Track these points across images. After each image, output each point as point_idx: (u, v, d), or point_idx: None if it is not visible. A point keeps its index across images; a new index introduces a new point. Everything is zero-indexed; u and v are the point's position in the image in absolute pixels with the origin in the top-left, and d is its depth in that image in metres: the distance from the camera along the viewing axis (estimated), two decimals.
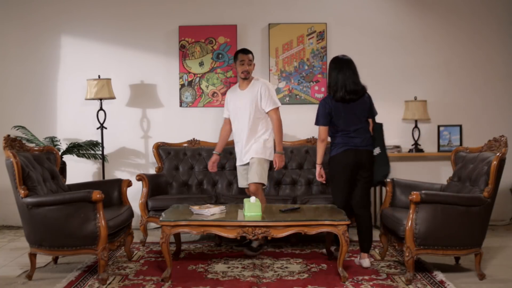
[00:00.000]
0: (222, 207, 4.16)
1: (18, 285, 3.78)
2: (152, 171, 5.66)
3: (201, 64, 5.77)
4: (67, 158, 5.50)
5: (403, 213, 3.93)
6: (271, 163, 4.65)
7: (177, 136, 5.66)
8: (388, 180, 4.45)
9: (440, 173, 5.61)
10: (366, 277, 3.84)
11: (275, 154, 4.59)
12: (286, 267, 4.10)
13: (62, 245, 3.76)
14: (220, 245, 4.81)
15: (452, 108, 5.80)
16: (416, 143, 5.70)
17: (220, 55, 5.77)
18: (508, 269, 4.08)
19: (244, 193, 4.83)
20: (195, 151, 5.59)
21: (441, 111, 5.78)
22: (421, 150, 5.70)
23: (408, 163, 5.77)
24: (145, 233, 4.95)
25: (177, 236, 4.40)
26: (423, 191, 3.74)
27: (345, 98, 4.09)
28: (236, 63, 4.63)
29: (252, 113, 4.55)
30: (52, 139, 5.49)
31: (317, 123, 4.23)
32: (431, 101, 5.73)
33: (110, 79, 5.48)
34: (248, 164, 4.59)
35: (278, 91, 5.71)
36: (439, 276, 3.84)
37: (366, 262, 4.13)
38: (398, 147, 5.70)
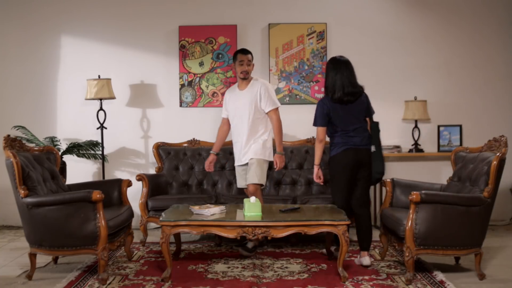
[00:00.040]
0: (222, 207, 4.16)
1: (18, 285, 3.78)
2: (152, 171, 5.66)
3: (201, 64, 5.77)
4: (67, 158, 5.50)
5: (403, 213, 3.93)
6: (270, 163, 4.66)
7: (177, 136, 5.66)
8: (388, 180, 4.45)
9: (440, 173, 5.61)
10: (366, 277, 3.84)
11: (276, 154, 4.59)
12: (286, 267, 4.10)
13: (62, 245, 3.76)
14: (220, 245, 4.81)
15: (452, 108, 5.80)
16: (416, 143, 5.70)
17: (220, 55, 5.77)
18: (508, 269, 4.08)
19: (244, 193, 4.82)
20: (195, 151, 5.59)
21: (441, 111, 5.78)
22: (421, 150, 5.70)
23: (408, 163, 5.77)
24: (145, 233, 4.95)
25: (177, 236, 4.40)
26: (423, 191, 3.74)
27: (342, 100, 4.11)
28: (235, 63, 4.62)
29: (251, 113, 4.55)
30: (52, 139, 5.49)
31: (315, 124, 4.23)
32: (431, 101, 5.73)
33: (110, 79, 5.48)
34: (247, 164, 4.58)
35: (278, 91, 5.71)
36: (439, 276, 3.83)
37: (366, 260, 4.13)
38: (398, 147, 5.70)
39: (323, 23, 5.75)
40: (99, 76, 5.46)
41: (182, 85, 5.78)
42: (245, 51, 4.63)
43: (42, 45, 5.79)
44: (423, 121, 5.75)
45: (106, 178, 5.60)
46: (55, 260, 4.31)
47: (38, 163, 4.11)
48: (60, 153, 5.12)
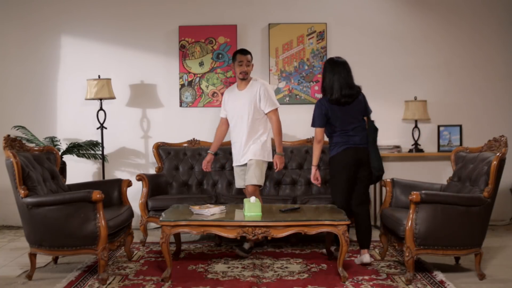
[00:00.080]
0: (222, 207, 4.16)
1: (18, 285, 3.78)
2: (152, 171, 5.66)
3: (201, 64, 5.77)
4: (67, 158, 5.50)
5: (403, 213, 3.93)
6: (270, 163, 4.65)
7: (177, 136, 5.66)
8: (388, 180, 4.45)
9: (440, 173, 5.60)
10: (366, 277, 3.84)
11: (275, 155, 4.58)
12: (286, 267, 4.10)
13: (62, 245, 3.76)
14: (220, 245, 4.81)
15: (452, 108, 5.80)
16: (416, 143, 5.70)
17: (220, 55, 5.77)
18: (508, 269, 4.08)
19: (244, 193, 4.82)
20: (195, 151, 5.59)
21: (441, 111, 5.78)
22: (421, 150, 5.70)
23: (408, 163, 5.77)
24: (145, 233, 4.95)
25: (177, 236, 4.39)
26: (423, 191, 3.73)
27: (340, 101, 4.11)
28: (235, 63, 4.61)
29: (251, 114, 4.54)
30: (52, 139, 5.49)
31: (313, 124, 4.23)
32: (431, 101, 5.73)
33: (110, 79, 5.48)
34: (245, 165, 4.58)
35: (278, 91, 5.71)
36: (439, 276, 3.83)
37: (366, 257, 4.13)
38: (398, 147, 5.70)
39: (323, 23, 5.75)
40: (99, 76, 5.46)
41: (182, 85, 5.78)
42: (244, 52, 4.62)
43: (42, 45, 5.79)
44: (423, 121, 5.75)
45: (106, 178, 5.60)
46: (55, 260, 4.32)
47: (38, 163, 4.11)
48: (60, 153, 5.12)
